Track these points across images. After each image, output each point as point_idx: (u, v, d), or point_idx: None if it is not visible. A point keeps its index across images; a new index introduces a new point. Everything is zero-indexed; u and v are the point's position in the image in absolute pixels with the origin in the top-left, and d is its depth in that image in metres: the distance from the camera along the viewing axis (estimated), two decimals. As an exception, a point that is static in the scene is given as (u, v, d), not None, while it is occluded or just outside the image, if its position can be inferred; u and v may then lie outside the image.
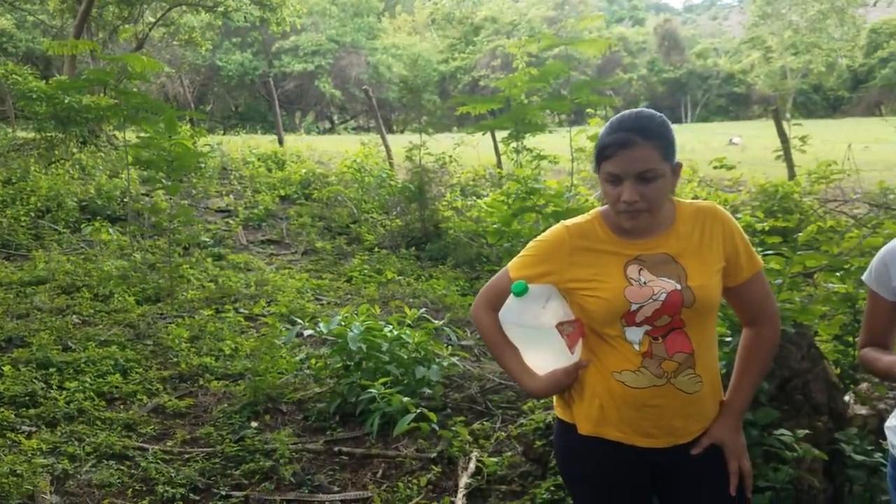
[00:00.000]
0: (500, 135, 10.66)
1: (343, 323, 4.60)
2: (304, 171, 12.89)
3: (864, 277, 1.99)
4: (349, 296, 7.22)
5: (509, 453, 3.81)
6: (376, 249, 9.06)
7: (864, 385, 3.51)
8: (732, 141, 25.78)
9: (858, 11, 47.06)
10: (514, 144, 9.71)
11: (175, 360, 5.29)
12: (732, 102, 56.18)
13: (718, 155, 9.04)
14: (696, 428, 1.90)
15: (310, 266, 8.50)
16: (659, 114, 1.85)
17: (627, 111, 1.86)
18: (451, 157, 11.49)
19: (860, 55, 47.79)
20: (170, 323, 6.08)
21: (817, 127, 17.50)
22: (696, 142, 22.64)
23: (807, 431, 2.76)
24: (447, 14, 56.31)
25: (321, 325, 4.70)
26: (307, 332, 4.85)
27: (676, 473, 1.93)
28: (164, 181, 7.46)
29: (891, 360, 1.85)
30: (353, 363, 4.56)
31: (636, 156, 1.76)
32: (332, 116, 49.73)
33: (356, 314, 4.93)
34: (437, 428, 4.08)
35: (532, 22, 51.11)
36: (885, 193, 9.07)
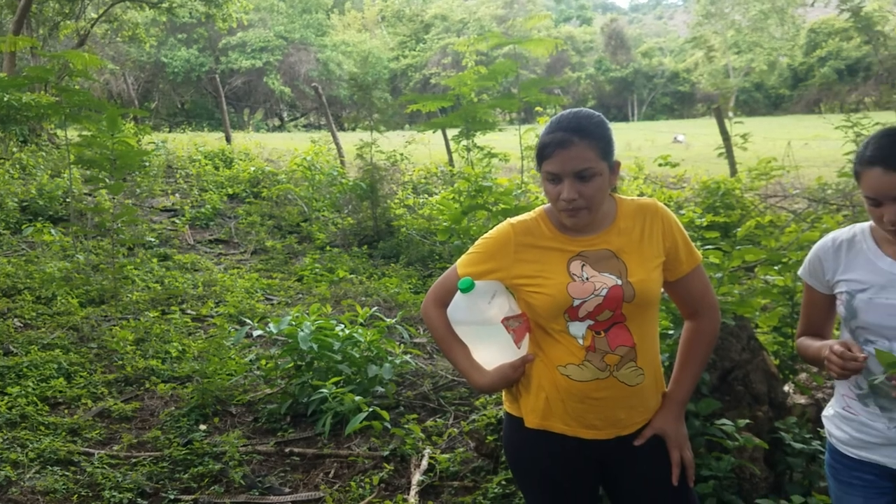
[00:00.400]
0: (452, 133, 10.70)
1: (294, 323, 4.56)
2: (252, 169, 12.72)
3: (799, 272, 2.06)
4: (300, 295, 7.16)
5: (462, 449, 3.83)
6: (328, 248, 9.00)
7: (802, 375, 3.63)
8: (677, 139, 26.35)
9: (798, 11, 48.50)
10: (464, 142, 9.76)
11: (120, 363, 5.18)
12: (677, 101, 57.38)
13: (663, 152, 9.23)
14: (639, 419, 1.95)
15: (259, 265, 8.40)
16: (597, 113, 1.89)
17: (566, 111, 1.89)
18: (402, 155, 11.48)
19: (800, 54, 49.27)
20: (114, 325, 5.94)
21: (759, 124, 17.99)
22: (642, 140, 23.07)
23: (748, 421, 2.85)
24: (397, 11, 56.22)
25: (271, 325, 4.65)
26: (257, 333, 4.79)
27: (621, 464, 1.97)
28: (107, 180, 7.28)
29: (821, 344, 1.92)
30: (304, 363, 4.52)
31: (574, 155, 1.79)
32: (281, 114, 49.15)
33: (307, 314, 4.89)
34: (389, 426, 4.08)
35: (481, 20, 51.34)
36: (824, 189, 9.38)
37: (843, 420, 1.94)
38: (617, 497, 2.04)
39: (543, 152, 1.84)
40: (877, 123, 8.10)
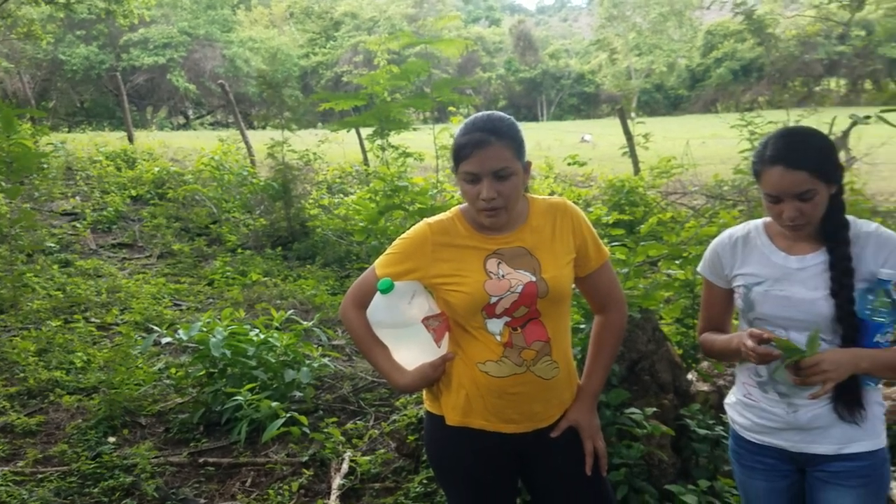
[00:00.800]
0: (366, 132, 10.65)
1: (205, 329, 4.45)
2: (157, 169, 12.25)
3: (699, 269, 2.17)
4: (211, 300, 6.98)
5: (382, 450, 3.85)
6: (239, 250, 8.79)
7: (704, 364, 3.82)
8: (584, 139, 27.06)
9: (695, 14, 50.64)
10: (379, 142, 9.73)
11: (22, 375, 4.92)
12: (584, 101, 58.92)
13: (572, 152, 9.50)
14: (555, 411, 2.02)
15: (167, 270, 8.13)
16: (508, 116, 1.94)
17: (479, 113, 1.93)
18: (315, 154, 11.34)
19: (697, 56, 51.43)
20: (15, 336, 5.64)
21: (659, 124, 18.69)
22: (551, 139, 23.56)
23: (655, 409, 2.98)
24: (306, 8, 55.40)
25: (181, 332, 4.52)
26: (165, 340, 4.66)
27: (538, 456, 2.03)
28: (3, 184, 6.89)
29: (729, 337, 2.03)
30: (216, 370, 4.43)
31: (491, 154, 1.84)
32: (186, 112, 47.59)
33: (219, 319, 4.79)
34: (308, 431, 4.05)
35: (392, 19, 51.24)
36: (720, 185, 9.85)
37: (744, 407, 2.04)
38: (535, 489, 2.10)
39: (461, 153, 1.87)
40: (769, 122, 8.59)
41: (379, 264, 2.03)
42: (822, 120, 7.33)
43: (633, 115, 16.40)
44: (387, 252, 2.05)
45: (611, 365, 2.13)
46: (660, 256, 3.98)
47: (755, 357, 1.85)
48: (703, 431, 3.06)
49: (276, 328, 4.99)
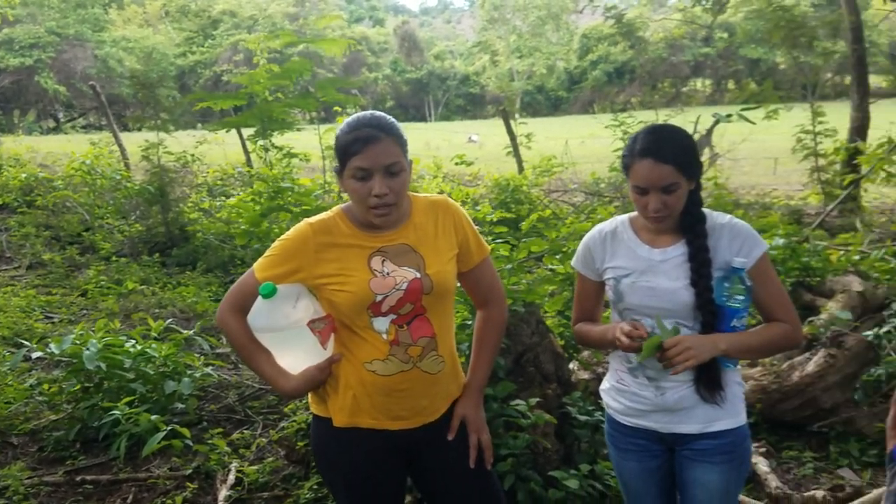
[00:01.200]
0: (248, 132, 10.39)
1: (78, 341, 4.21)
2: (24, 175, 11.49)
3: (572, 263, 2.26)
4: (85, 311, 6.61)
5: (271, 459, 3.77)
6: (114, 258, 8.36)
7: (585, 353, 3.98)
8: (471, 139, 27.50)
9: (571, 18, 52.55)
10: (261, 142, 9.51)
11: None
12: (469, 102, 59.88)
13: (459, 152, 9.65)
14: (442, 405, 2.04)
15: (37, 281, 7.63)
16: (390, 116, 1.95)
17: (362, 112, 1.93)
18: (193, 155, 10.94)
19: (574, 58, 53.38)
20: None
21: (541, 125, 19.30)
22: (439, 140, 23.79)
23: (539, 399, 3.07)
24: (182, 6, 53.38)
25: (52, 345, 4.25)
26: (36, 355, 4.37)
27: (426, 451, 2.05)
28: None
29: (605, 328, 2.12)
30: (92, 384, 4.21)
31: (382, 150, 1.83)
32: (56, 115, 44.86)
33: (93, 331, 4.55)
34: (191, 443, 3.91)
35: (273, 17, 50.21)
36: (598, 183, 10.28)
37: (617, 392, 2.14)
38: (423, 484, 2.12)
39: (350, 149, 1.84)
40: (640, 122, 9.03)
41: (258, 267, 1.97)
42: (689, 119, 7.79)
43: (516, 115, 16.83)
44: (266, 254, 1.99)
45: (494, 359, 2.17)
46: (542, 252, 4.10)
47: (627, 344, 1.94)
48: (583, 418, 3.18)
49: (155, 338, 4.79)
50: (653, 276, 2.00)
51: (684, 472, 2.07)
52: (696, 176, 1.98)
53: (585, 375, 3.74)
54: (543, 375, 3.26)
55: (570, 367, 3.62)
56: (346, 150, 1.85)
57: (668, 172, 1.89)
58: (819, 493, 3.23)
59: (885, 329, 4.44)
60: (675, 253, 1.99)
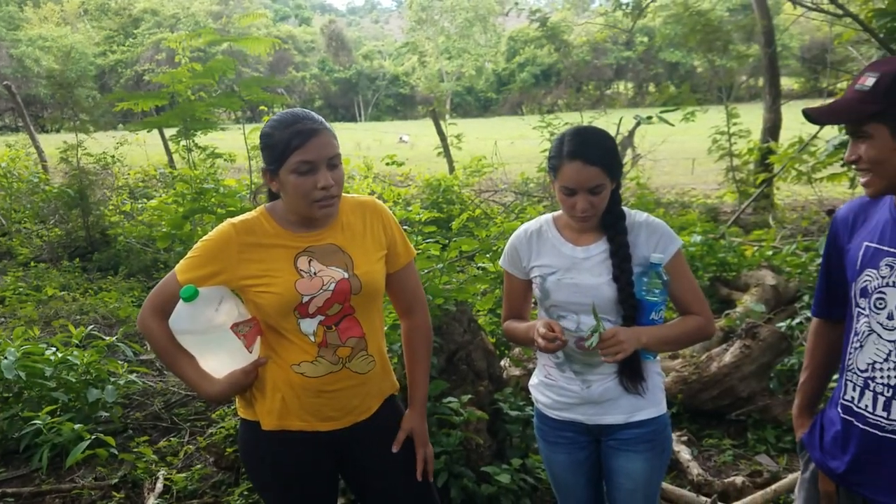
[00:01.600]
0: (170, 132, 10.12)
1: (-6, 351, 4.04)
2: (-67, 179, 10.92)
3: (500, 262, 2.31)
4: (2, 319, 6.33)
5: (200, 466, 3.70)
6: (32, 264, 8.05)
7: (516, 350, 4.05)
8: (402, 139, 27.52)
9: (498, 20, 53.15)
10: (184, 142, 9.27)
11: None
12: (400, 102, 59.82)
13: (390, 152, 9.64)
14: (373, 404, 2.04)
15: (-54, 290, 7.26)
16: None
17: (289, 110, 1.91)
18: (114, 157, 10.60)
19: (502, 60, 54.01)
20: None
21: (471, 125, 19.45)
22: (370, 140, 23.69)
23: (471, 396, 3.12)
24: (101, 5, 51.51)
25: (-35, 356, 4.07)
26: (-52, 367, 4.16)
27: (358, 450, 2.04)
28: None
29: (527, 326, 2.17)
30: (11, 394, 4.06)
31: (324, 142, 1.81)
32: (-33, 116, 42.57)
33: (11, 339, 4.38)
34: (117, 452, 3.81)
35: (196, 15, 49.00)
36: (526, 183, 10.44)
37: (545, 387, 2.20)
38: (356, 484, 2.11)
39: (291, 143, 1.80)
40: (566, 123, 9.22)
41: (180, 269, 1.91)
42: (612, 121, 7.99)
43: (446, 116, 16.92)
44: (188, 255, 1.93)
45: (429, 367, 2.18)
46: (473, 251, 4.15)
47: (544, 345, 1.98)
48: (514, 413, 3.24)
49: (77, 345, 4.63)
50: (577, 273, 2.06)
51: (610, 462, 2.14)
52: (618, 176, 2.05)
53: (517, 372, 3.81)
54: (475, 373, 3.31)
55: (502, 364, 3.69)
56: (286, 145, 1.80)
57: (595, 174, 1.95)
58: (738, 480, 3.39)
59: (797, 320, 4.67)
60: (598, 250, 2.06)
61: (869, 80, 1.58)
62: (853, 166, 1.66)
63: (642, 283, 2.00)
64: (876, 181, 1.63)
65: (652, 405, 2.10)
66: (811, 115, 1.67)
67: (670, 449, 2.22)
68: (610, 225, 2.05)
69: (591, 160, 1.95)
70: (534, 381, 2.27)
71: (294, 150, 1.80)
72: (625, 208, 2.09)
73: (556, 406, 2.16)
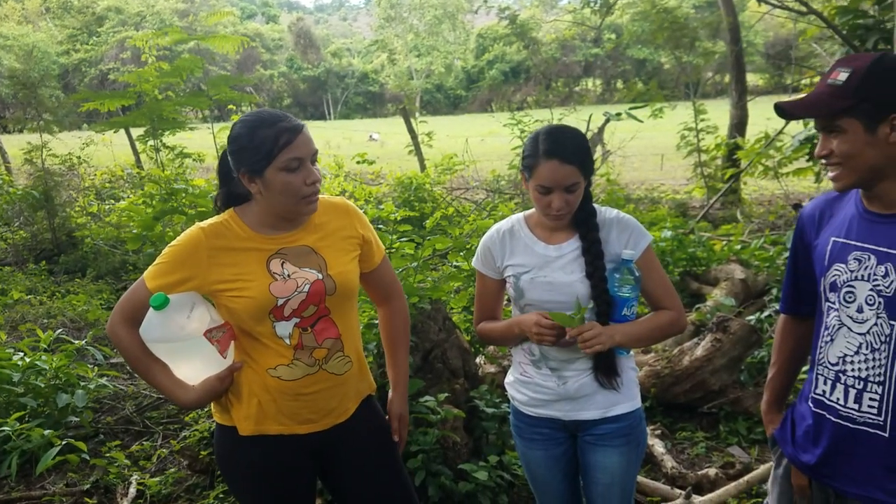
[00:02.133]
0: (137, 132, 9.98)
1: (-42, 357, 3.96)
2: None
3: (473, 263, 2.31)
4: (-36, 325, 6.19)
5: (174, 469, 3.66)
6: (-4, 267, 7.88)
7: (491, 347, 4.07)
8: (372, 137, 27.44)
9: (467, 17, 53.19)
10: (151, 142, 9.16)
11: None
12: (369, 100, 59.55)
13: (361, 150, 9.58)
14: (351, 405, 2.03)
15: None
16: None
17: (262, 109, 1.89)
18: (80, 157, 10.43)
19: (472, 58, 54.05)
20: None
21: (441, 123, 19.45)
22: (340, 138, 23.60)
23: (447, 394, 3.12)
24: (63, 2, 50.55)
25: (-71, 362, 3.98)
26: (-89, 374, 4.07)
27: (336, 452, 2.04)
28: None
29: (508, 323, 2.17)
30: (-24, 402, 3.96)
31: (308, 138, 1.84)
32: (-78, 115, 41.52)
33: (-25, 345, 4.28)
34: (88, 457, 3.75)
35: (161, 14, 48.32)
36: (498, 180, 10.48)
37: (521, 384, 2.20)
38: (334, 485, 2.11)
39: (280, 141, 1.78)
40: (536, 120, 9.28)
41: (149, 276, 1.87)
42: (581, 117, 8.06)
43: (417, 114, 16.90)
44: (157, 261, 1.89)
45: (408, 351, 2.21)
46: (446, 249, 4.16)
47: (548, 336, 1.99)
48: (491, 410, 3.25)
49: (45, 350, 4.55)
50: (550, 271, 2.07)
51: (586, 457, 2.16)
52: (591, 174, 2.07)
53: (492, 369, 3.82)
54: (451, 371, 3.32)
55: (477, 362, 3.70)
56: (274, 142, 1.78)
57: (571, 172, 1.97)
58: (711, 471, 3.44)
59: (766, 313, 4.76)
60: (570, 248, 2.08)
61: (841, 75, 1.60)
62: (823, 161, 1.68)
63: (614, 280, 2.02)
64: (846, 175, 1.64)
65: (627, 400, 2.13)
66: (784, 109, 1.68)
67: (645, 443, 2.25)
68: (582, 222, 2.07)
69: (567, 159, 1.96)
70: (509, 378, 2.27)
71: (283, 148, 1.79)
72: (595, 205, 2.11)
73: (532, 403, 2.18)
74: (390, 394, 2.16)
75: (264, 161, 1.80)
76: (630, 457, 2.14)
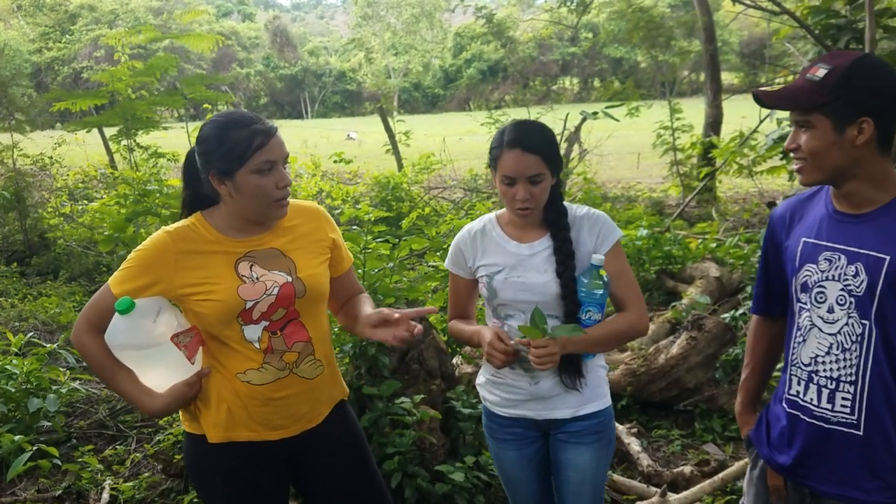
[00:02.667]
0: (111, 132, 9.86)
1: (-75, 362, 3.88)
2: None
3: (445, 264, 2.30)
4: (-68, 328, 6.07)
5: (147, 474, 3.62)
6: (-34, 270, 7.75)
7: (467, 347, 4.06)
8: (350, 136, 27.30)
9: (444, 16, 53.13)
10: (125, 142, 9.04)
11: None
12: (347, 99, 59.26)
13: (338, 149, 9.55)
14: (323, 409, 2.01)
15: None
16: None
17: (233, 111, 1.87)
18: (52, 158, 10.28)
19: (449, 56, 54.00)
20: None
21: (419, 122, 19.44)
22: (317, 137, 23.45)
23: (423, 396, 3.12)
24: (35, 0, 49.79)
25: None
26: None
27: (308, 457, 2.02)
28: None
29: (473, 330, 2.17)
30: (-56, 407, 3.88)
31: (281, 141, 1.84)
32: None
33: (-57, 349, 4.20)
34: (60, 463, 3.69)
35: (136, 12, 47.74)
36: (475, 179, 10.48)
37: (493, 385, 2.20)
38: (307, 491, 2.09)
39: (254, 143, 1.77)
40: (513, 119, 9.28)
41: (114, 281, 1.84)
42: (558, 116, 8.08)
43: (394, 113, 16.87)
44: (122, 266, 1.85)
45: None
46: (423, 249, 4.15)
47: (499, 358, 1.98)
48: (467, 411, 3.25)
49: (16, 353, 4.48)
50: (523, 270, 2.07)
51: (558, 455, 2.17)
52: (557, 171, 2.06)
53: (469, 369, 3.82)
54: (428, 372, 3.31)
55: (454, 362, 3.69)
56: (248, 145, 1.76)
57: (534, 162, 1.97)
58: (687, 469, 3.47)
59: (740, 311, 4.80)
60: (542, 247, 2.07)
61: (820, 72, 1.60)
62: (791, 154, 1.69)
63: (582, 284, 2.01)
64: (809, 171, 1.65)
65: (598, 398, 2.14)
66: (761, 98, 1.69)
67: (614, 440, 2.27)
68: (553, 220, 2.07)
69: (529, 148, 1.97)
70: (480, 379, 2.27)
71: (257, 150, 1.77)
72: (567, 203, 2.12)
73: (504, 403, 2.17)
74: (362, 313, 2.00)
75: (236, 163, 1.77)
76: (601, 454, 2.16)
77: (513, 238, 2.12)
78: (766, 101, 1.69)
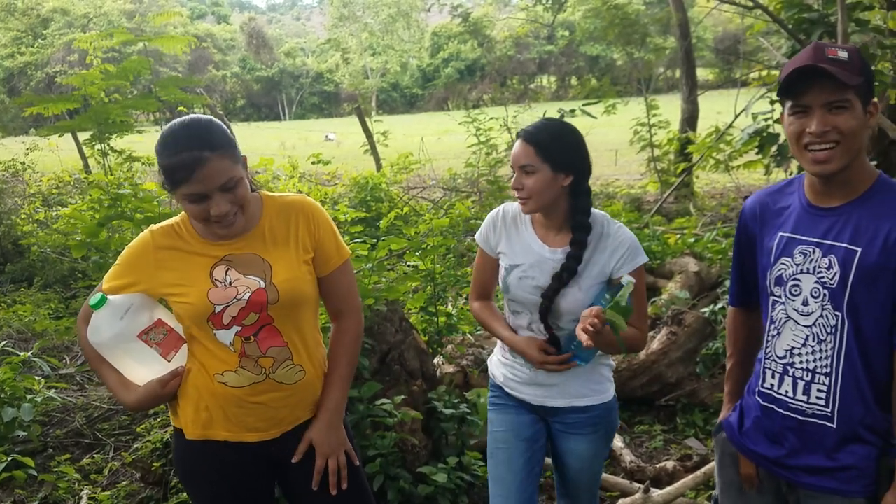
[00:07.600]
0: (85, 136, 9.72)
1: None
2: None
3: (476, 237, 2.30)
4: None
5: (126, 482, 3.56)
6: (-63, 279, 7.61)
7: (449, 347, 4.04)
8: (328, 137, 27.21)
9: (421, 16, 53.05)
10: (98, 146, 8.92)
11: None
12: (325, 100, 59.04)
13: (317, 150, 9.49)
14: (303, 414, 1.97)
15: None
16: (206, 117, 1.79)
17: (178, 125, 1.74)
18: (24, 163, 10.12)
19: (427, 56, 53.98)
20: None
21: (398, 122, 19.41)
22: (295, 138, 23.35)
23: (404, 397, 3.09)
24: (7, 4, 49.07)
25: None
26: None
27: (288, 461, 1.97)
28: None
29: (508, 335, 2.18)
30: (-85, 419, 3.79)
31: (211, 171, 1.68)
32: None
33: (-88, 361, 4.11)
34: (36, 473, 3.63)
35: (109, 15, 47.22)
36: (454, 178, 10.46)
37: (502, 365, 2.29)
38: (290, 492, 2.06)
39: (176, 177, 1.68)
40: (492, 118, 9.30)
41: (105, 278, 1.91)
42: (536, 114, 8.07)
43: (372, 113, 16.81)
44: (115, 264, 1.92)
45: (350, 374, 2.03)
46: (402, 249, 4.12)
47: (551, 366, 2.09)
48: (449, 411, 3.23)
49: (-12, 363, 4.39)
50: (540, 273, 2.10)
51: (558, 443, 2.25)
52: (563, 169, 2.03)
53: (450, 369, 3.80)
54: (409, 372, 3.29)
55: (435, 363, 3.67)
56: (171, 177, 1.69)
57: (528, 152, 2.01)
58: (669, 464, 3.48)
59: (719, 306, 4.82)
60: (564, 254, 2.09)
61: (842, 53, 1.57)
62: (817, 137, 1.58)
63: (602, 299, 2.01)
64: (841, 155, 1.58)
65: (596, 394, 2.19)
66: (824, 70, 1.53)
67: (613, 432, 2.32)
68: (576, 229, 2.08)
69: (528, 139, 2.02)
70: (493, 358, 2.37)
71: (181, 183, 1.69)
72: (601, 213, 2.13)
73: (507, 383, 2.26)
74: (313, 420, 1.97)
75: (169, 186, 1.73)
76: (599, 444, 2.23)
77: (539, 237, 2.15)
78: (834, 72, 1.53)
